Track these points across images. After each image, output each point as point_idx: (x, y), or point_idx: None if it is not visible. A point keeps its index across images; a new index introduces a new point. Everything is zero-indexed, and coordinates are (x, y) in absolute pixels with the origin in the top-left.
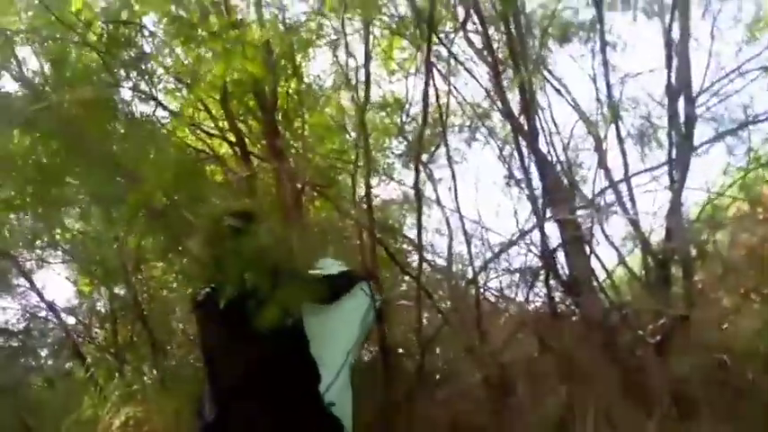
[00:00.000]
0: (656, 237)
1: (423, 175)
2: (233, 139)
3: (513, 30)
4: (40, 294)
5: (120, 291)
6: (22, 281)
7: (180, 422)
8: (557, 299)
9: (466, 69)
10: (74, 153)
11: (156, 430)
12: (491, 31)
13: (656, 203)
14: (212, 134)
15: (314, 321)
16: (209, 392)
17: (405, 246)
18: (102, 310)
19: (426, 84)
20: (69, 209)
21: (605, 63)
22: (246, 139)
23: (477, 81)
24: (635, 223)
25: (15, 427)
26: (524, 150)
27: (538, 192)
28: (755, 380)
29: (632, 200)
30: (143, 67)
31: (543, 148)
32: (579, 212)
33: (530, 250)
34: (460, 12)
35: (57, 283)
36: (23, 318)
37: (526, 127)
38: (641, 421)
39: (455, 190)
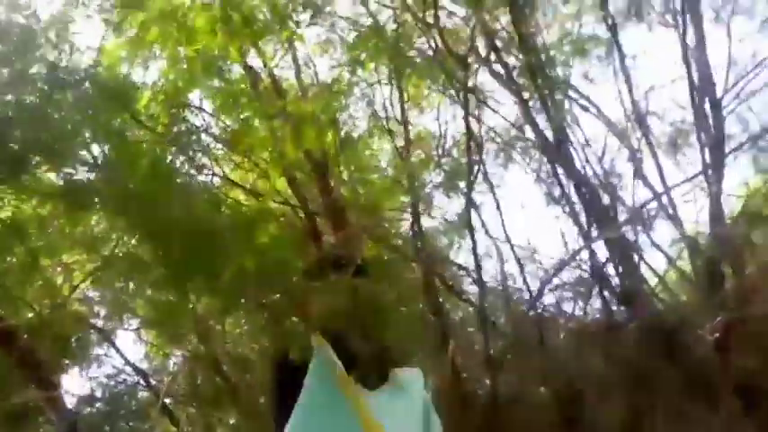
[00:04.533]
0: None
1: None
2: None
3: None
4: (125, 359)
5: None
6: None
7: None
8: (612, 309)
9: (494, 100)
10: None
11: None
12: (512, 59)
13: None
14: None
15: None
16: None
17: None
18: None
19: (466, 114)
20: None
21: (627, 76)
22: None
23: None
24: (681, 227)
25: None
26: (561, 171)
27: (579, 209)
28: None
29: (673, 207)
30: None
31: (579, 164)
32: (624, 225)
33: (580, 267)
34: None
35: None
36: (111, 382)
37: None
38: (708, 418)
39: (500, 213)
